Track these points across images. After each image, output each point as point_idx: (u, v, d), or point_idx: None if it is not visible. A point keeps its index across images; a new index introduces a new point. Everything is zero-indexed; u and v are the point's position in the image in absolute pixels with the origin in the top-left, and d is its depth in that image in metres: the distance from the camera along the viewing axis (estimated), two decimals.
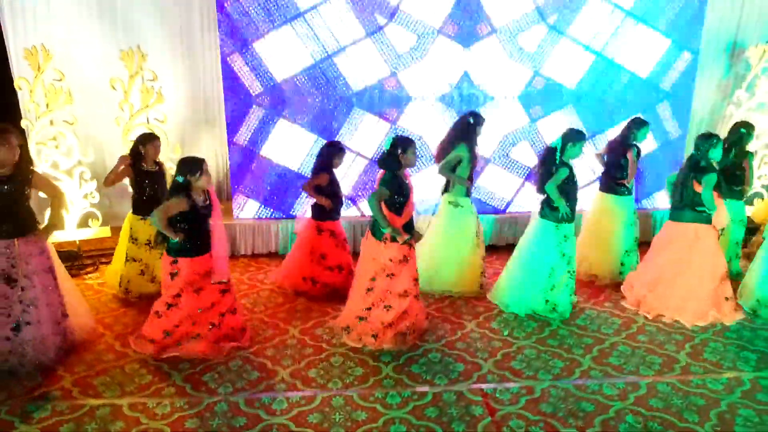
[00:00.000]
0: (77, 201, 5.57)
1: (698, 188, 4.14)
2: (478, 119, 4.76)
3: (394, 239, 3.72)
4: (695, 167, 4.21)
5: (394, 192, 3.72)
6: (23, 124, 5.28)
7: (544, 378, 3.53)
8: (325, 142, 4.91)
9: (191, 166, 3.59)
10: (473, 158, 4.67)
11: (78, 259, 5.39)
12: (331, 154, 4.57)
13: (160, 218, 3.51)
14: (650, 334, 4.13)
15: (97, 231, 5.71)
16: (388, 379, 3.48)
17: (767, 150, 6.28)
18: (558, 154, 4.15)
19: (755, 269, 4.51)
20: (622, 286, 4.75)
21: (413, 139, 3.90)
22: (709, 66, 6.66)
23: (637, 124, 4.99)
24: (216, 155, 6.49)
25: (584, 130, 4.58)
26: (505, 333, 4.11)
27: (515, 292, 4.36)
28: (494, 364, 3.70)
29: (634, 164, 4.94)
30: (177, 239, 3.56)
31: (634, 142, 4.98)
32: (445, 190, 4.78)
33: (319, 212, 4.66)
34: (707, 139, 4.22)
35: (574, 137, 4.19)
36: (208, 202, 3.69)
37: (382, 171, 3.83)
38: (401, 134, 3.90)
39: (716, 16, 6.42)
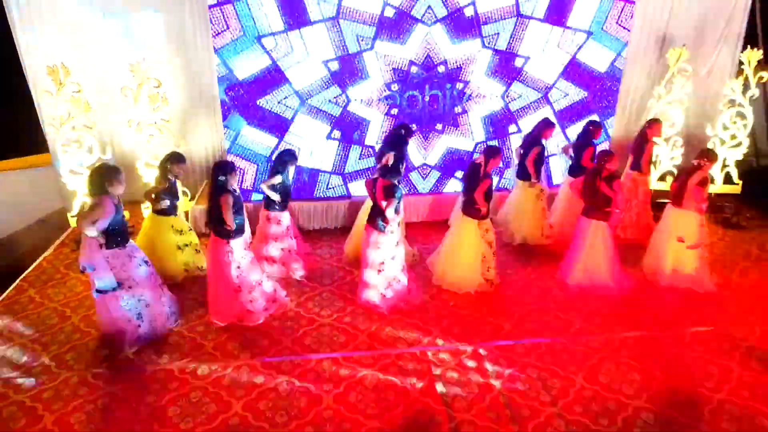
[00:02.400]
0: None
1: (609, 192, 5.38)
2: (409, 131, 5.98)
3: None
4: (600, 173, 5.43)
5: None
6: (48, 130, 6.19)
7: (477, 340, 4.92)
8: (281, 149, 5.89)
9: (226, 167, 4.77)
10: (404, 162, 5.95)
11: None
12: (285, 160, 5.55)
13: (227, 213, 4.68)
14: (559, 300, 5.52)
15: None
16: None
17: (678, 137, 7.50)
18: (483, 167, 5.34)
19: None
20: None
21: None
22: (639, 55, 7.72)
23: (595, 127, 6.33)
24: (213, 141, 7.48)
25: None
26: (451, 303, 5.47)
27: (459, 275, 5.63)
28: (440, 329, 5.06)
29: (591, 161, 6.25)
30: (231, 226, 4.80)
31: (593, 142, 6.30)
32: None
33: (268, 204, 5.68)
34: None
35: (495, 153, 5.36)
36: (238, 192, 4.92)
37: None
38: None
39: (648, 8, 7.41)
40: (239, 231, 4.93)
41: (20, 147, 7.81)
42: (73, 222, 6.65)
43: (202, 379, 4.39)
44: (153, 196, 5.61)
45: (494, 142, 7.07)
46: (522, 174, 6.40)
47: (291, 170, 5.60)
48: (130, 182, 7.06)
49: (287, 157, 5.55)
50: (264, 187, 5.51)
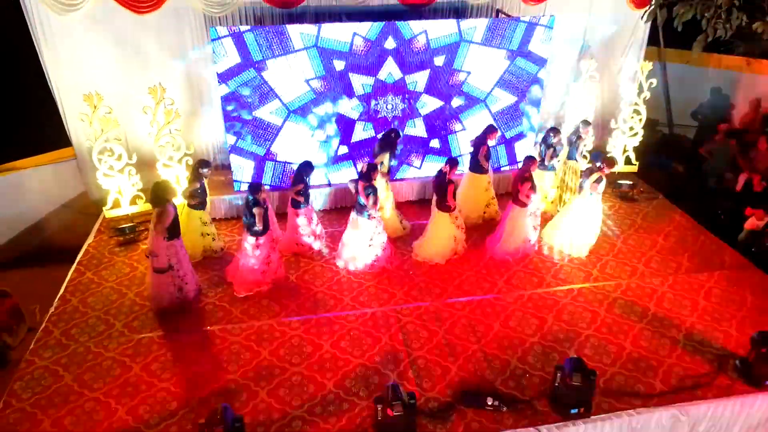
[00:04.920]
0: (127, 188, 8.15)
1: (519, 187, 7.32)
2: (398, 135, 7.67)
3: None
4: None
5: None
6: (86, 143, 7.67)
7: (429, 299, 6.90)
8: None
9: (256, 188, 6.47)
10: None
11: (134, 229, 8.08)
12: (306, 170, 7.31)
13: (260, 220, 6.48)
14: (489, 267, 7.53)
15: (142, 207, 8.37)
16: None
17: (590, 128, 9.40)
18: (447, 175, 7.21)
19: None
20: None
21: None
22: (562, 59, 9.47)
23: (555, 132, 8.13)
24: (213, 141, 9.02)
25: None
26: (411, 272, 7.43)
27: (434, 251, 7.57)
28: (403, 292, 7.02)
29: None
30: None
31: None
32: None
33: (295, 203, 7.44)
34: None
35: (455, 163, 7.22)
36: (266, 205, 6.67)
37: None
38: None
39: (567, 21, 9.09)
40: (266, 229, 6.69)
41: (44, 144, 9.20)
42: (106, 213, 8.19)
43: (236, 335, 6.27)
44: (189, 194, 7.25)
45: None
46: (474, 168, 8.12)
47: (310, 177, 7.38)
48: (149, 180, 8.68)
49: (309, 168, 7.30)
50: (292, 194, 7.27)
